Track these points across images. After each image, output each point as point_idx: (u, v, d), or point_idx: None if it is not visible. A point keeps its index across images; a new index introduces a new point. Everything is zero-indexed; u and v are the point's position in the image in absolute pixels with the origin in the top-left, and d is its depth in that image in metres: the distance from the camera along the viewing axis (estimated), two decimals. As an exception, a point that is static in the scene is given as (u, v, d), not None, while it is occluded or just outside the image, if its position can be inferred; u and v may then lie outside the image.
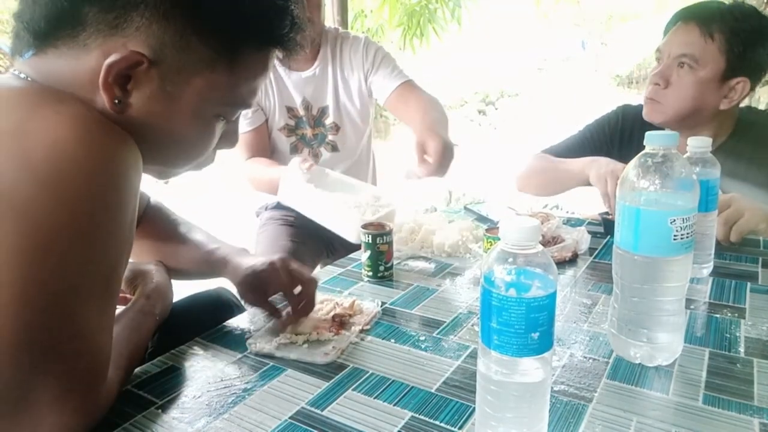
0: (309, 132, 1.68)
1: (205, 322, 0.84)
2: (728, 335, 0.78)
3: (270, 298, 0.85)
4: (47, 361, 0.51)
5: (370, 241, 1.01)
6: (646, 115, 1.34)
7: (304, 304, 0.83)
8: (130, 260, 0.71)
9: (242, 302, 0.90)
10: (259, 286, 0.83)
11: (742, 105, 1.36)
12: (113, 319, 0.60)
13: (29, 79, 0.60)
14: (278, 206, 1.72)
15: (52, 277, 0.51)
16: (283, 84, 1.65)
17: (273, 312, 0.84)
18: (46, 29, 0.59)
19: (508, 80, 10.78)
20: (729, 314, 0.84)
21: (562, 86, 10.59)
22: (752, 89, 1.29)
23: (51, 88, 0.58)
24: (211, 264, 0.87)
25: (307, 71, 1.64)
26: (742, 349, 0.74)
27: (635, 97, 9.10)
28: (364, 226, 1.04)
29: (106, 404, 0.58)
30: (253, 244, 1.66)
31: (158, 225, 0.91)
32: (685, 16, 1.29)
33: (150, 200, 0.93)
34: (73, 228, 0.52)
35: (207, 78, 0.62)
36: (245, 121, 1.59)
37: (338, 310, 0.85)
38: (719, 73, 1.25)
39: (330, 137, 1.70)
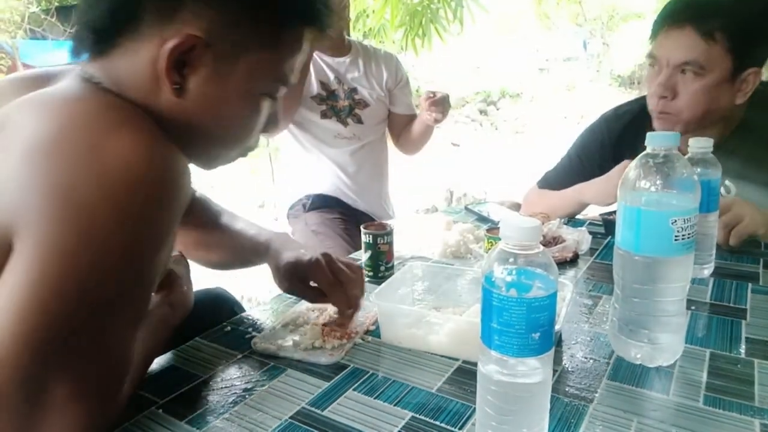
0: (339, 103, 1.83)
1: (205, 321, 0.84)
2: (729, 336, 0.78)
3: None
4: (70, 363, 0.52)
5: (371, 241, 1.01)
6: (660, 129, 1.21)
7: (350, 309, 0.82)
8: None
9: (278, 287, 0.88)
10: (297, 278, 0.84)
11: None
12: (137, 333, 0.60)
13: (97, 82, 0.62)
14: (324, 203, 1.82)
15: (91, 286, 0.52)
16: (318, 62, 1.82)
17: (313, 297, 0.84)
18: (108, 25, 0.61)
19: (510, 80, 10.77)
20: (730, 315, 0.84)
21: (563, 86, 10.58)
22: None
23: (127, 105, 0.60)
24: (253, 250, 0.89)
25: (340, 58, 1.84)
26: (743, 350, 0.74)
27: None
28: (365, 227, 1.04)
29: (117, 413, 0.58)
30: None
31: (203, 216, 0.93)
32: (677, 18, 1.13)
33: (195, 193, 0.94)
34: (125, 245, 0.53)
35: (254, 56, 0.64)
36: None
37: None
38: (728, 73, 1.12)
39: (357, 110, 1.85)
